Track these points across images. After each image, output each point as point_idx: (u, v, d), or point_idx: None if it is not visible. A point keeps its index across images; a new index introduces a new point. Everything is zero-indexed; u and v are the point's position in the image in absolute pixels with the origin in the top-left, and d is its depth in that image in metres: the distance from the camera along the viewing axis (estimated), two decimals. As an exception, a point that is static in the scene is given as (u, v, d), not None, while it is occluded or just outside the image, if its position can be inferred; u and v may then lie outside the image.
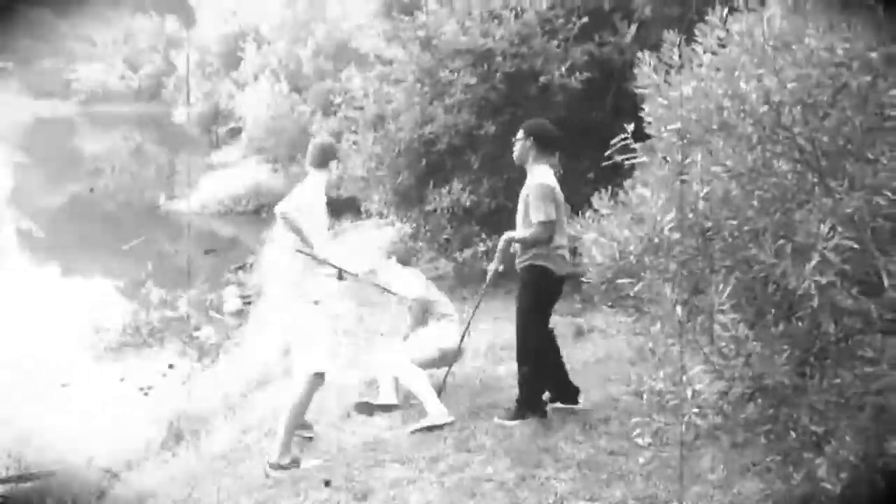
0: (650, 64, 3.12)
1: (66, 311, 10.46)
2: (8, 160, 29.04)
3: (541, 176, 5.11)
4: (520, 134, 5.28)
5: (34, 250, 16.02)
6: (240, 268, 12.14)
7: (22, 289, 12.08)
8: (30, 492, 5.52)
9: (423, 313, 5.83)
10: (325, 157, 5.13)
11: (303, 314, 4.95)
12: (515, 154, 5.29)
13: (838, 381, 2.54)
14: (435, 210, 8.08)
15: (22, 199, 21.75)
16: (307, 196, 5.01)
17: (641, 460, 3.75)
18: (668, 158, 3.06)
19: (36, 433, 6.51)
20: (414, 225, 8.76)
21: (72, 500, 5.28)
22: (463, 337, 5.75)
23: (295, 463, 4.88)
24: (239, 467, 4.96)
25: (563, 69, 7.46)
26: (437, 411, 5.29)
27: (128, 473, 5.51)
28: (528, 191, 5.13)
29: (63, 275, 13.75)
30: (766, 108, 2.74)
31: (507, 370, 6.15)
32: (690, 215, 2.82)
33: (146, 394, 7.53)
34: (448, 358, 5.77)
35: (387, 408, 5.62)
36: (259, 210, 16.08)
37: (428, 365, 5.78)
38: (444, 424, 5.24)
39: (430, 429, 5.21)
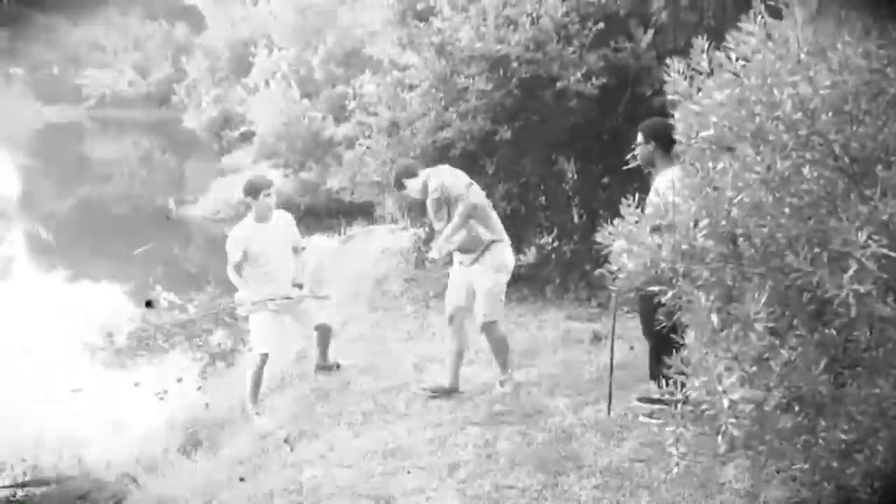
0: (679, 70, 3.08)
1: (76, 315, 10.45)
2: (17, 164, 29.15)
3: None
4: (640, 138, 5.09)
5: (43, 254, 16.06)
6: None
7: (31, 293, 12.11)
8: (48, 496, 5.52)
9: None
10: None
11: None
12: (640, 159, 5.13)
13: (877, 390, 2.52)
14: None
15: (31, 203, 21.83)
16: None
17: (676, 470, 3.73)
18: (699, 166, 3.04)
19: (51, 438, 6.51)
20: (427, 230, 8.75)
21: (90, 505, 5.28)
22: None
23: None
24: (258, 473, 4.95)
25: (579, 75, 7.44)
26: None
27: (146, 478, 5.49)
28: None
29: (72, 279, 13.78)
30: (800, 114, 2.73)
31: (526, 375, 6.13)
32: (723, 222, 2.81)
33: (162, 398, 7.52)
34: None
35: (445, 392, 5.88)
36: (270, 215, 16.02)
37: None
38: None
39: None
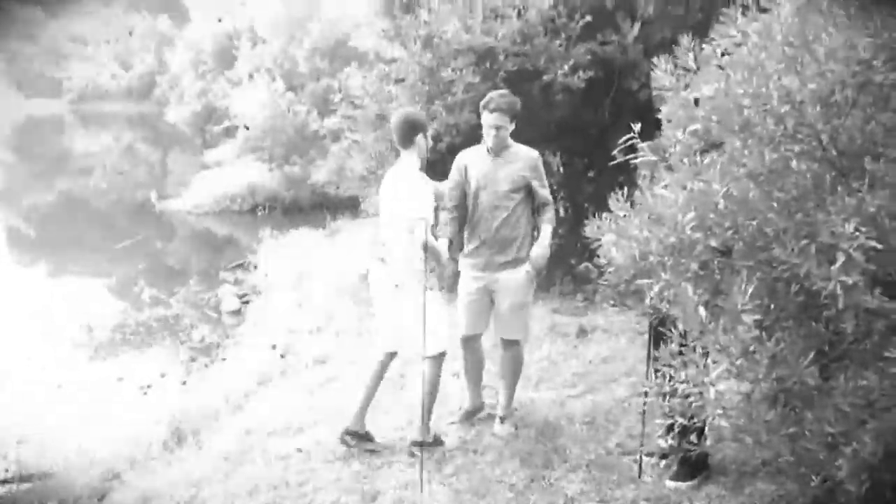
0: (666, 68, 3.08)
1: (58, 310, 10.38)
2: (-2, 159, 28.91)
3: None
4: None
5: (24, 249, 15.93)
6: (237, 266, 12.08)
7: (12, 288, 12.01)
8: (31, 493, 5.47)
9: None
10: (413, 133, 4.88)
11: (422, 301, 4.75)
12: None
13: (865, 382, 2.52)
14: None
15: (12, 197, 21.64)
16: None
17: (663, 463, 3.76)
18: (686, 160, 3.03)
19: (34, 434, 6.45)
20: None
21: (73, 501, 5.22)
22: None
23: (438, 441, 4.99)
24: (244, 468, 4.92)
25: (566, 68, 7.43)
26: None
27: (130, 474, 5.44)
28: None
29: (54, 274, 13.66)
30: (787, 107, 2.72)
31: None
32: (712, 215, 2.80)
33: (145, 393, 7.47)
34: None
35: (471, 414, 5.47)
36: (255, 209, 16.01)
37: None
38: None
39: None
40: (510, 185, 4.94)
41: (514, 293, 5.00)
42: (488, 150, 4.98)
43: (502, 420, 5.17)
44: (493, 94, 4.96)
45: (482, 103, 4.94)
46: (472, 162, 5.03)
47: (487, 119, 4.88)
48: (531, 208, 5.08)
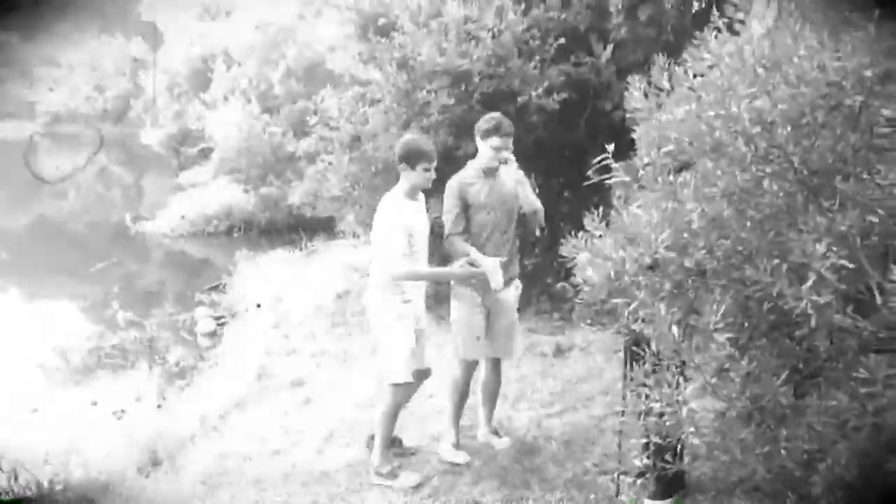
0: (640, 88, 3.11)
1: (33, 334, 10.27)
2: (-30, 182, 28.58)
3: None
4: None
5: (-2, 272, 15.76)
6: (212, 288, 12.01)
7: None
8: (3, 519, 5.40)
9: None
10: (404, 159, 4.72)
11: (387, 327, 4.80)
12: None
13: (835, 402, 2.55)
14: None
15: (-15, 220, 21.43)
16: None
17: (640, 481, 3.75)
18: (660, 180, 3.06)
19: (8, 458, 6.36)
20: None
21: (48, 527, 5.16)
22: None
23: (393, 475, 4.83)
24: (220, 492, 4.88)
25: (541, 90, 7.48)
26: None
27: (105, 500, 5.38)
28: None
29: (28, 297, 13.52)
30: (758, 128, 2.76)
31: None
32: (685, 235, 2.83)
33: (119, 418, 7.40)
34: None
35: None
36: (230, 231, 15.95)
37: None
38: None
39: None
40: (513, 203, 4.98)
41: (510, 311, 5.12)
42: (483, 172, 4.94)
43: (499, 434, 5.23)
44: (497, 118, 4.93)
45: (491, 127, 4.88)
46: (469, 185, 4.93)
47: (496, 143, 4.83)
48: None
